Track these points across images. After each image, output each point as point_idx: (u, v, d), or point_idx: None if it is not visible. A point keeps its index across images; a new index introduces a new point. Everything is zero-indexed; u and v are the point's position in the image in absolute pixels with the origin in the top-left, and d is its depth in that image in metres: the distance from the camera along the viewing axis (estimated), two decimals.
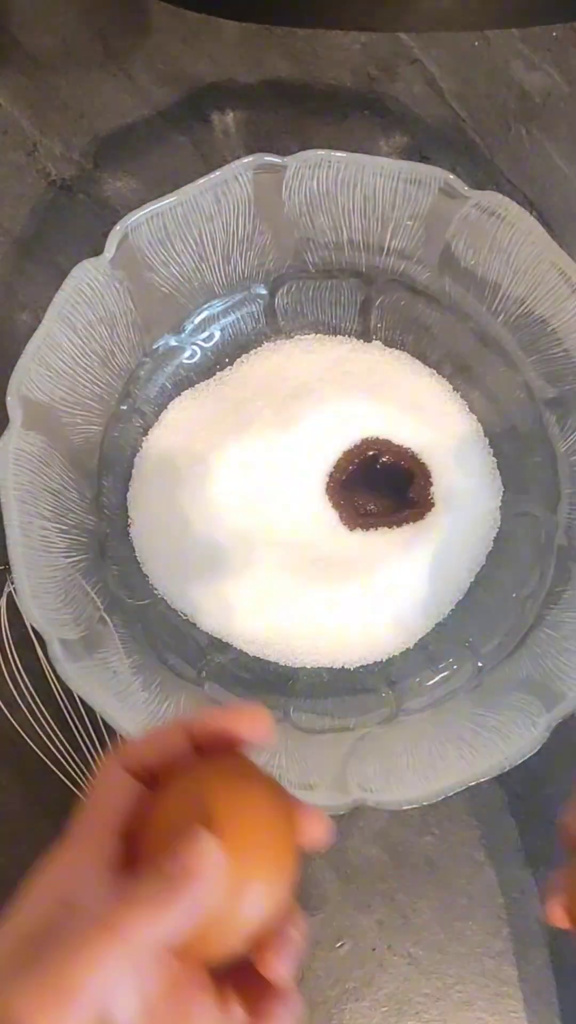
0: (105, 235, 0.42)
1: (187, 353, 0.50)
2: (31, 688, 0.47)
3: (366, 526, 0.48)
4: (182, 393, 0.50)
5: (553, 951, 0.50)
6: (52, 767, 0.47)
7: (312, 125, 0.52)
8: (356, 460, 0.48)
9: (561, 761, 0.45)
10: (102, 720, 0.46)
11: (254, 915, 0.29)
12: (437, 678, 0.48)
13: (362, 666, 0.48)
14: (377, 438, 0.48)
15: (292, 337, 0.50)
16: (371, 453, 0.48)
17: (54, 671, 0.42)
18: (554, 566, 0.47)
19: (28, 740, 0.47)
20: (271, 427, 0.48)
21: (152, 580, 0.48)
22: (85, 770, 0.47)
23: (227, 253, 0.46)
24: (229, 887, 0.28)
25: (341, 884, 0.50)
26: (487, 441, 0.49)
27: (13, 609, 0.45)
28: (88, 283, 0.43)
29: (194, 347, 0.50)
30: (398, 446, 0.48)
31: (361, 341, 0.50)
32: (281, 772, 0.43)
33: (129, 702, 0.43)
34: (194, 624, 0.48)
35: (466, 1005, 0.49)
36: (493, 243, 0.44)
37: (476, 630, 0.48)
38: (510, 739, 0.42)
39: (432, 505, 0.48)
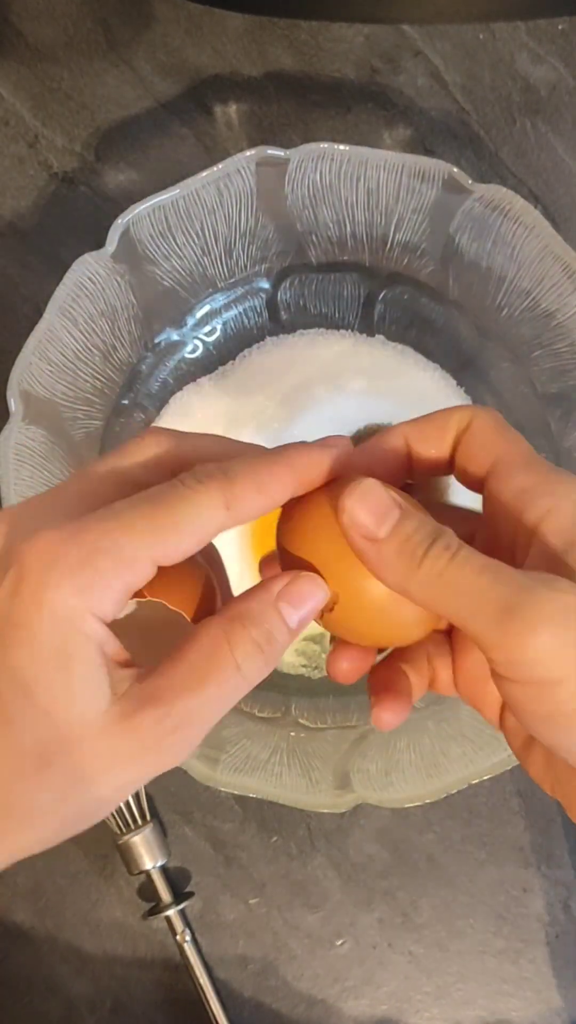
0: (107, 228, 0.42)
1: (189, 347, 0.50)
2: None
3: None
4: (184, 388, 0.49)
5: (554, 950, 0.50)
6: None
7: (315, 118, 0.51)
8: None
9: None
10: None
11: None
12: None
13: None
14: None
15: (295, 331, 0.50)
16: None
17: None
18: None
19: None
20: (273, 422, 0.47)
21: None
22: None
23: (229, 247, 0.46)
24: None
25: (342, 882, 0.50)
26: None
27: None
28: (89, 276, 0.43)
29: (196, 341, 0.50)
30: None
31: (364, 335, 0.50)
32: (283, 769, 0.43)
33: None
34: None
35: (467, 1004, 0.49)
36: (497, 237, 0.44)
37: None
38: None
39: None
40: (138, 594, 0.27)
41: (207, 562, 0.32)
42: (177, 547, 0.26)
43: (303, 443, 0.29)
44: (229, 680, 0.26)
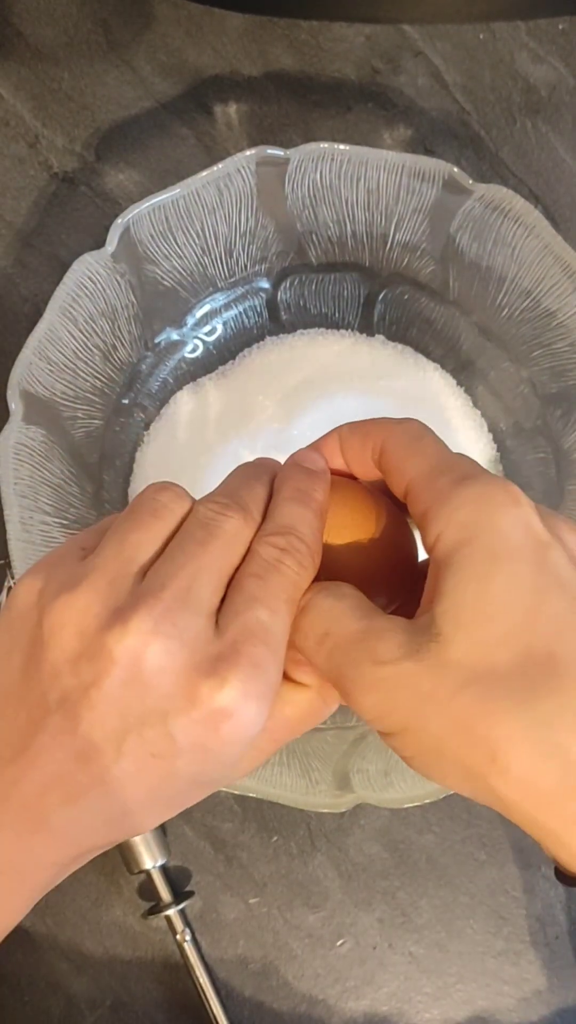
0: (107, 228, 0.42)
1: (189, 347, 0.50)
2: None
3: None
4: (183, 387, 0.49)
5: (554, 951, 0.50)
6: None
7: (315, 118, 0.51)
8: None
9: None
10: None
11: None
12: None
13: None
14: None
15: (294, 331, 0.50)
16: None
17: None
18: None
19: None
20: (273, 421, 0.47)
21: None
22: None
23: (229, 246, 0.46)
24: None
25: (342, 882, 0.50)
26: (491, 436, 0.49)
27: None
28: (90, 276, 0.43)
29: (196, 341, 0.50)
30: None
31: (364, 335, 0.50)
32: (282, 769, 0.43)
33: None
34: None
35: (467, 1004, 0.49)
36: (498, 237, 0.44)
37: None
38: None
39: None
40: None
41: None
42: None
43: (301, 471, 0.31)
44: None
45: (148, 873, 0.49)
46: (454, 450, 0.31)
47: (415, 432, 0.30)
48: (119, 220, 0.42)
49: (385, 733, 0.27)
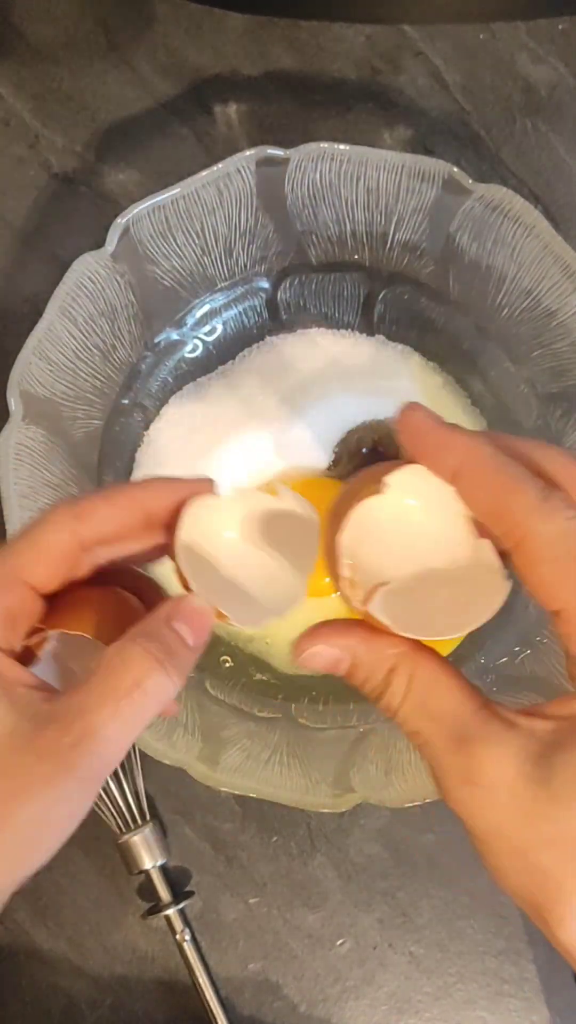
0: (107, 228, 0.42)
1: (189, 347, 0.50)
2: None
3: None
4: (183, 387, 0.49)
5: (554, 950, 0.50)
6: None
7: (315, 117, 0.52)
8: (359, 455, 0.48)
9: None
10: None
11: None
12: None
13: None
14: (380, 433, 0.48)
15: (295, 331, 0.50)
16: (374, 448, 0.48)
17: None
18: None
19: None
20: (273, 421, 0.47)
21: (154, 576, 0.48)
22: None
23: (229, 246, 0.46)
24: None
25: (342, 882, 0.50)
26: None
27: None
28: (89, 276, 0.43)
29: (196, 341, 0.50)
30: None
31: (364, 335, 0.50)
32: (282, 769, 0.43)
33: None
34: None
35: (467, 1004, 0.49)
36: (498, 237, 0.44)
37: (480, 626, 0.48)
38: None
39: None
40: (42, 628, 0.28)
41: (149, 593, 0.32)
42: (36, 563, 0.28)
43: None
44: (129, 696, 0.26)
45: (148, 873, 0.49)
46: None
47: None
48: (119, 220, 0.42)
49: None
